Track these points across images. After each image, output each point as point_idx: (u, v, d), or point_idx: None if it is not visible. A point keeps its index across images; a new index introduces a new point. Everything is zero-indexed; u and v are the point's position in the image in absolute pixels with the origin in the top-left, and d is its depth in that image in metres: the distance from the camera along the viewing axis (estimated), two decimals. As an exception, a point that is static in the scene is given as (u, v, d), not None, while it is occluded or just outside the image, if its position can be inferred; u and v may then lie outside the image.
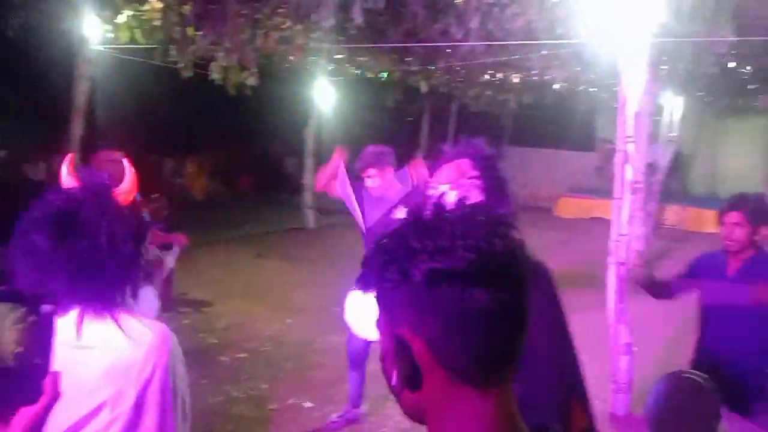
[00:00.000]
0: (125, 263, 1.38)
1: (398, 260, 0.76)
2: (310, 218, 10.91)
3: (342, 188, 3.78)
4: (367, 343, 3.62)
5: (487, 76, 9.15)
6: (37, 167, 10.20)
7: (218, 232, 9.58)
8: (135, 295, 1.45)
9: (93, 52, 6.97)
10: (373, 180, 3.50)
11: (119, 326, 1.35)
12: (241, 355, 4.87)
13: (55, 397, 0.88)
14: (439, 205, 0.82)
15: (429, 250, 0.74)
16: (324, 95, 10.23)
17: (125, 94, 9.50)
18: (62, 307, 1.30)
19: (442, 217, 0.79)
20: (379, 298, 0.80)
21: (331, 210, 12.42)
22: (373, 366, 3.77)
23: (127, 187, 1.50)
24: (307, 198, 10.95)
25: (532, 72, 8.40)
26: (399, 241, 0.78)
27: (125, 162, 1.65)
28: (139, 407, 1.32)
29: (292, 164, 14.20)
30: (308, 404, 4.16)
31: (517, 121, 15.26)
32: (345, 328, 3.49)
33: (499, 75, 9.05)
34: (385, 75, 9.72)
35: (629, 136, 3.93)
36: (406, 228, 0.80)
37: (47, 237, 1.30)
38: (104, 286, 1.35)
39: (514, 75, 8.98)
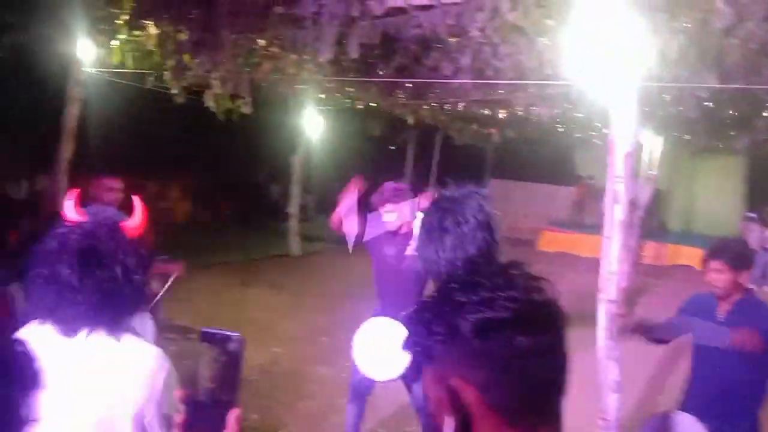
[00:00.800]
0: (135, 291, 1.51)
1: (444, 315, 0.83)
2: (295, 245, 10.90)
3: (349, 223, 3.80)
4: (368, 386, 3.61)
5: (474, 112, 9.31)
6: (19, 186, 10.08)
7: (202, 257, 9.50)
8: (135, 321, 1.59)
9: (85, 75, 6.98)
10: (389, 215, 3.55)
11: (123, 349, 1.46)
12: (229, 384, 4.84)
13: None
14: (475, 264, 0.91)
15: (474, 302, 0.82)
16: (312, 124, 10.32)
17: (113, 117, 9.49)
18: (72, 329, 1.44)
19: (482, 274, 0.86)
20: (426, 354, 0.86)
21: (316, 237, 12.45)
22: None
23: (136, 221, 1.59)
24: (293, 225, 10.95)
25: (518, 108, 8.58)
26: (443, 297, 0.86)
27: (136, 199, 1.73)
28: (137, 427, 1.44)
29: (277, 191, 14.22)
30: (298, 436, 4.15)
31: (500, 154, 15.50)
32: (339, 359, 3.50)
33: (486, 111, 9.22)
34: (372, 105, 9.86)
35: (619, 176, 4.03)
36: (449, 285, 0.87)
37: (72, 269, 1.42)
38: (116, 312, 1.47)
39: (500, 111, 9.16)
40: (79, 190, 1.82)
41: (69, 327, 1.43)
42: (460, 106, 8.86)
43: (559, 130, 10.98)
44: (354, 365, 3.55)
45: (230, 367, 0.97)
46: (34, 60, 7.11)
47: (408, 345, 0.89)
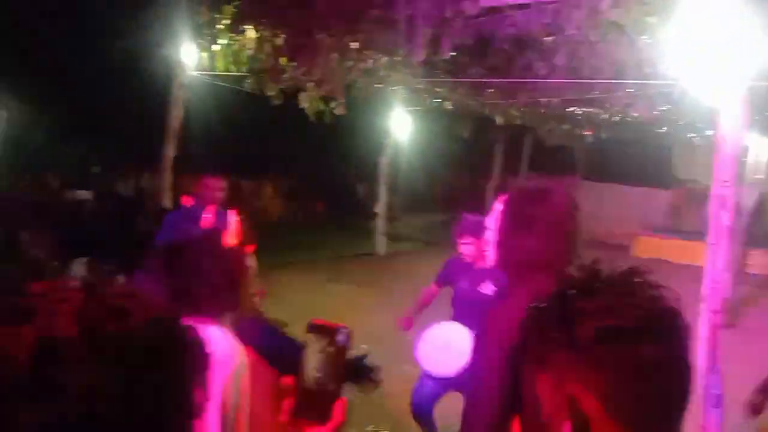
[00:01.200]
0: (218, 292, 1.69)
1: (563, 321, 0.81)
2: (381, 244, 11.02)
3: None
4: (433, 397, 3.65)
5: (567, 111, 9.09)
6: (127, 183, 10.75)
7: (292, 254, 9.82)
8: (231, 319, 1.76)
9: (188, 78, 7.34)
10: (468, 248, 3.57)
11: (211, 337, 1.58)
12: (319, 379, 4.95)
13: (342, 421, 0.97)
14: (594, 270, 0.87)
15: (596, 309, 0.79)
16: (400, 124, 10.38)
17: (211, 118, 9.93)
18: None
19: (602, 280, 0.84)
20: (542, 360, 0.85)
21: (402, 237, 12.54)
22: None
23: (231, 233, 1.80)
24: (379, 224, 11.08)
25: (615, 108, 8.31)
26: (561, 302, 0.83)
27: (233, 214, 1.95)
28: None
29: (364, 191, 14.43)
30: (386, 433, 4.21)
31: (592, 155, 15.02)
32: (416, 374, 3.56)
33: (580, 110, 8.98)
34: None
35: (726, 180, 3.84)
36: (567, 291, 0.85)
37: (161, 263, 1.69)
38: (198, 305, 1.64)
39: (595, 111, 8.89)
40: (215, 206, 2.15)
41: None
42: (553, 106, 8.68)
43: (657, 130, 10.54)
44: (418, 383, 3.60)
45: (337, 358, 0.99)
46: (142, 64, 7.54)
47: (521, 350, 0.88)
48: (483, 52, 6.25)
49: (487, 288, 3.56)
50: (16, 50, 9.96)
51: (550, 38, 5.51)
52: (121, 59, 7.66)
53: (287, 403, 0.98)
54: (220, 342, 1.65)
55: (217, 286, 1.68)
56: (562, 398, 0.82)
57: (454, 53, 5.64)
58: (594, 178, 14.94)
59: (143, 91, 8.85)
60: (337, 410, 0.97)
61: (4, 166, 9.32)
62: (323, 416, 0.97)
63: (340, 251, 10.82)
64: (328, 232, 12.42)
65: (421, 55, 5.10)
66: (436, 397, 3.66)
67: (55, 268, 5.79)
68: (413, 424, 4.27)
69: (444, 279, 3.89)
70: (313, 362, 0.99)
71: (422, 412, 3.75)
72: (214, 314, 1.66)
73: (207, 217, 1.93)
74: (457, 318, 3.78)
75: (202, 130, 9.90)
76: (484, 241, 3.57)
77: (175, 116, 7.55)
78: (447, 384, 3.50)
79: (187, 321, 1.59)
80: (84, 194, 9.31)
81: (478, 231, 3.57)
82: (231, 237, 1.78)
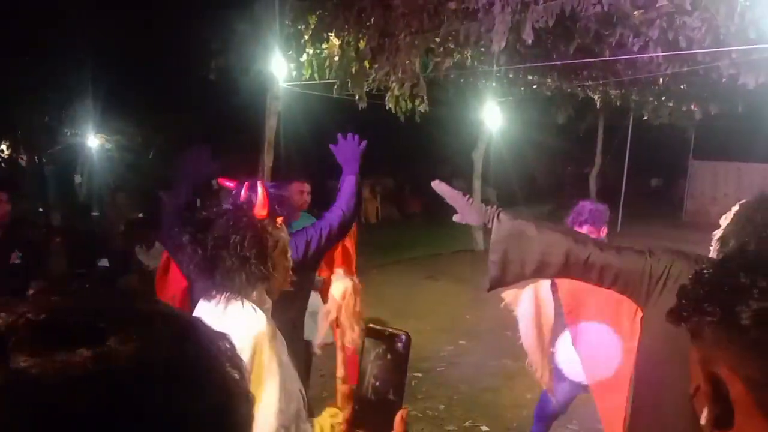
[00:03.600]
0: (245, 264, 1.68)
1: (722, 295, 0.73)
2: (478, 240, 10.89)
3: None
4: (565, 405, 3.49)
5: (669, 87, 8.58)
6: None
7: (390, 253, 9.92)
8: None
9: (280, 90, 7.60)
10: None
11: (232, 312, 1.65)
12: (417, 375, 4.98)
13: None
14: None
15: (759, 287, 0.70)
16: (492, 116, 10.20)
17: (304, 125, 10.22)
18: (209, 294, 1.70)
19: None
20: (694, 332, 0.77)
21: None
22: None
23: (259, 206, 1.81)
24: (476, 219, 10.94)
25: (721, 80, 7.74)
26: (725, 274, 0.75)
27: (259, 185, 1.92)
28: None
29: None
30: (485, 428, 4.15)
31: (703, 133, 14.11)
32: (525, 354, 3.41)
33: (683, 85, 8.45)
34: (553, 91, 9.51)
35: None
36: (734, 260, 0.76)
37: (189, 237, 1.71)
38: (224, 279, 1.68)
39: (699, 84, 8.33)
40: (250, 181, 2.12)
41: (207, 292, 1.71)
42: (653, 82, 8.22)
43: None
44: (545, 394, 3.43)
45: (396, 367, 0.92)
46: (236, 79, 7.87)
47: (673, 316, 0.79)
48: (569, 33, 6.03)
49: None
50: (128, 85, 10.74)
51: (639, 12, 5.23)
52: (218, 78, 8.00)
53: (346, 413, 0.92)
54: (253, 315, 1.66)
55: (246, 258, 1.67)
56: (707, 380, 0.75)
57: (538, 38, 5.46)
58: (707, 157, 14.05)
59: (241, 105, 9.24)
60: (398, 422, 0.90)
61: (118, 188, 10.04)
62: (382, 428, 0.90)
63: (438, 249, 10.80)
64: (426, 230, 12.43)
65: (501, 42, 4.99)
66: (570, 399, 3.50)
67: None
68: (511, 418, 4.19)
69: None
70: (371, 370, 0.93)
71: (550, 415, 3.60)
72: (241, 287, 1.68)
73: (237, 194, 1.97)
74: None
75: (297, 139, 10.20)
76: (603, 230, 3.36)
77: (270, 127, 7.82)
78: (581, 387, 3.31)
79: (215, 296, 1.66)
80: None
81: (597, 219, 3.35)
82: (258, 210, 1.77)
